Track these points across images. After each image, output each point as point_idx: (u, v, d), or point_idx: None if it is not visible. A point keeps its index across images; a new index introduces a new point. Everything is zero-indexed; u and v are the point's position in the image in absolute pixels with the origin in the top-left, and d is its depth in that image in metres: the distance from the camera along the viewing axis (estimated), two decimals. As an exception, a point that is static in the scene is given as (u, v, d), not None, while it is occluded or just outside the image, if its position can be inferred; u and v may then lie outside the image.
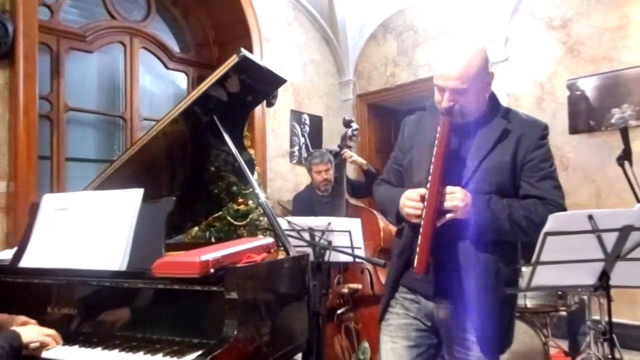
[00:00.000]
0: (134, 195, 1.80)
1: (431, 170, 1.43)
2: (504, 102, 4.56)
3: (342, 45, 5.65)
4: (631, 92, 3.87)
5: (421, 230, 1.41)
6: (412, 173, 1.60)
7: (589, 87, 4.11)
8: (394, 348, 1.60)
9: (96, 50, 4.05)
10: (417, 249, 1.40)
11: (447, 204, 1.41)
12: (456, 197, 1.42)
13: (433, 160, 1.43)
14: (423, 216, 1.42)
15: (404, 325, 1.60)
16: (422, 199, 1.44)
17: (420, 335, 1.59)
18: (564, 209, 1.50)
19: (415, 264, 1.41)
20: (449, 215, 1.42)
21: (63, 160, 3.79)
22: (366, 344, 2.69)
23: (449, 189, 1.43)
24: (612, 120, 3.92)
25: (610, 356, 2.01)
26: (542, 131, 1.57)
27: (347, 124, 3.55)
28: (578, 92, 4.17)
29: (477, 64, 1.47)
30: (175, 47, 4.65)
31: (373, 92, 5.76)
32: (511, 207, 1.46)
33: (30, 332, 1.53)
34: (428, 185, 1.42)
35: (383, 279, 2.53)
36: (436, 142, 1.45)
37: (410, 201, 1.47)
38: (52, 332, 1.58)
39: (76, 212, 1.86)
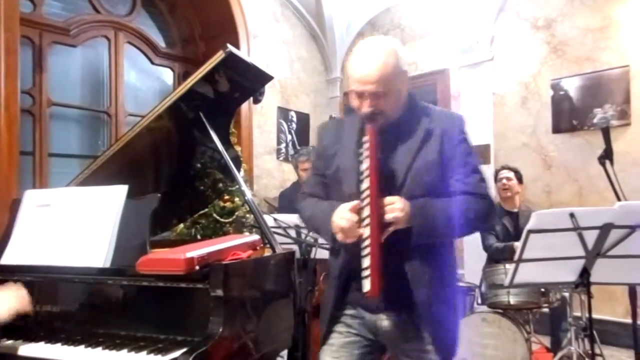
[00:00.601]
0: (118, 192, 1.78)
1: (366, 185, 1.34)
2: (489, 101, 4.64)
3: (330, 42, 5.65)
4: (613, 92, 3.94)
5: (368, 250, 1.31)
6: (341, 183, 1.50)
7: (572, 87, 4.17)
8: None
9: (80, 45, 3.98)
10: (368, 272, 1.30)
11: (389, 216, 1.34)
12: (396, 208, 1.35)
13: (366, 172, 1.35)
14: (366, 235, 1.32)
15: (346, 344, 1.52)
16: (357, 211, 1.36)
17: (363, 352, 1.52)
18: (492, 201, 1.49)
19: (368, 288, 1.30)
20: (391, 228, 1.35)
21: (46, 155, 3.73)
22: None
23: (387, 200, 1.36)
24: (595, 120, 3.99)
25: (590, 352, 2.05)
26: (462, 125, 1.55)
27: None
28: (561, 92, 4.23)
29: (394, 64, 1.42)
30: (161, 42, 4.60)
31: (360, 90, 5.77)
32: (447, 208, 1.42)
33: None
34: (363, 198, 1.34)
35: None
36: (365, 152, 1.37)
37: (346, 220, 1.36)
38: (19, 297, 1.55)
39: (59, 208, 1.84)
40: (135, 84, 4.44)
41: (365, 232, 1.33)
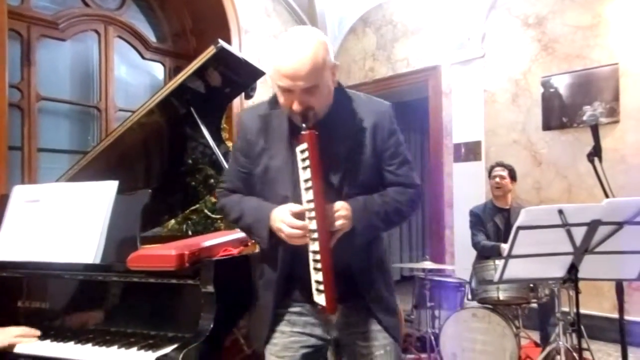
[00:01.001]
0: (109, 187, 1.77)
1: (309, 197, 1.26)
2: (480, 98, 4.67)
3: (322, 38, 5.64)
4: (602, 90, 3.98)
5: (319, 265, 1.25)
6: (273, 184, 1.39)
7: (562, 84, 4.20)
8: None
9: (69, 39, 3.94)
10: (322, 287, 1.25)
11: (337, 224, 1.29)
12: (342, 216, 1.30)
13: (308, 183, 1.26)
14: (314, 249, 1.27)
15: (291, 344, 1.45)
16: (299, 216, 1.29)
17: (309, 351, 1.46)
18: (420, 188, 1.48)
19: (324, 304, 1.26)
20: (338, 235, 1.31)
21: (35, 150, 3.69)
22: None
23: (333, 208, 1.30)
24: (584, 118, 4.03)
25: (578, 346, 2.08)
26: (391, 115, 1.49)
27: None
28: (552, 90, 4.26)
29: (323, 56, 1.29)
30: (151, 36, 4.56)
31: (352, 86, 5.76)
32: (385, 205, 1.40)
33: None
34: (309, 209, 1.27)
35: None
36: (304, 161, 1.27)
37: (291, 227, 1.28)
38: (24, 331, 1.56)
39: (48, 204, 1.82)
40: (126, 78, 4.41)
41: (313, 246, 1.27)
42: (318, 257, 1.26)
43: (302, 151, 1.26)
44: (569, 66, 4.17)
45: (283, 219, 1.30)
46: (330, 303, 1.25)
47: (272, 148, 1.40)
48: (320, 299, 1.28)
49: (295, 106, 1.30)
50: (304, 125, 1.28)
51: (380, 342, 1.48)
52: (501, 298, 2.98)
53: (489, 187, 3.77)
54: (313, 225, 1.26)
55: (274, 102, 1.42)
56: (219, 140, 2.33)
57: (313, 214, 1.25)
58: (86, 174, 2.07)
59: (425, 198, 7.04)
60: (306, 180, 1.26)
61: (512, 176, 3.61)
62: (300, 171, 1.29)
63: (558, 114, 4.22)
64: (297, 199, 1.32)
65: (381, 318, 1.46)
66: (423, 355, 3.42)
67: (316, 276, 1.28)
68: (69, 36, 3.92)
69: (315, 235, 1.26)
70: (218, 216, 3.17)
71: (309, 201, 1.26)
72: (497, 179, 3.59)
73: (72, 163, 2.25)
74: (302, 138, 1.26)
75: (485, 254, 3.44)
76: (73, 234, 1.73)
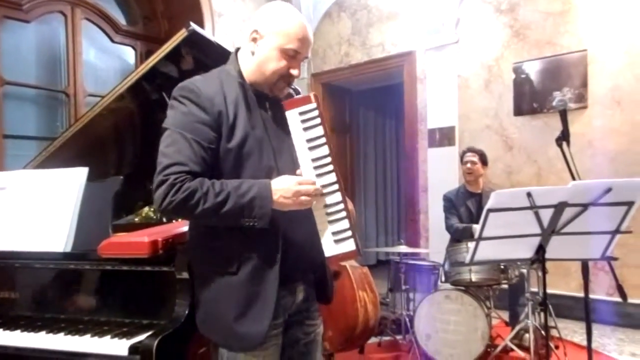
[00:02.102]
0: (78, 174, 1.74)
1: (323, 152, 1.29)
2: (454, 84, 4.71)
3: (297, 22, 5.58)
4: (571, 76, 4.07)
5: (343, 214, 1.29)
6: (254, 155, 1.32)
7: (533, 70, 4.28)
8: None
9: (34, 20, 3.79)
10: (350, 233, 1.28)
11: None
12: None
13: (319, 140, 1.29)
14: (336, 201, 1.29)
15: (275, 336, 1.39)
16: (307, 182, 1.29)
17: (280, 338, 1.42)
18: None
19: (354, 248, 1.29)
20: None
21: (0, 137, 3.57)
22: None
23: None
24: (554, 103, 4.12)
25: (544, 324, 2.16)
26: None
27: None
28: (523, 75, 4.34)
29: None
30: (121, 19, 4.44)
31: (327, 72, 5.75)
32: None
33: None
34: (323, 165, 1.29)
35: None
36: (313, 120, 1.30)
37: (313, 187, 1.28)
38: None
39: (15, 191, 1.77)
40: (95, 62, 4.29)
41: (329, 199, 1.30)
42: (338, 207, 1.29)
43: (303, 112, 1.31)
44: (540, 52, 4.25)
45: (297, 183, 1.26)
46: (358, 244, 1.30)
47: (250, 118, 1.33)
48: (343, 247, 1.29)
49: (296, 71, 1.35)
50: (296, 91, 1.37)
51: (318, 321, 1.54)
52: (473, 280, 3.05)
53: (462, 172, 3.83)
54: (325, 180, 1.29)
55: (224, 71, 1.40)
56: (193, 126, 2.30)
57: (326, 169, 1.29)
58: (55, 160, 2.01)
59: (401, 183, 7.16)
60: (312, 139, 1.30)
61: (483, 161, 3.67)
62: (300, 132, 1.31)
63: (529, 99, 4.31)
64: (283, 168, 1.33)
65: (318, 296, 1.52)
66: (398, 337, 3.49)
67: (334, 227, 1.30)
68: (33, 18, 3.78)
69: (332, 188, 1.29)
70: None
71: (318, 158, 1.29)
72: (469, 165, 3.65)
73: (40, 150, 2.18)
74: (305, 99, 1.31)
75: (458, 237, 3.52)
76: (42, 222, 1.69)
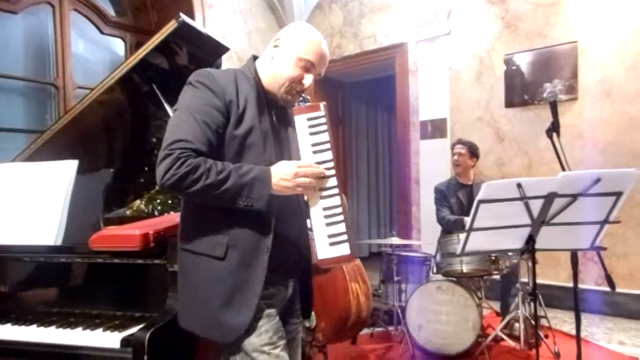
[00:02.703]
0: (68, 167, 1.72)
1: (328, 157, 1.35)
2: (446, 76, 4.72)
3: (288, 14, 5.55)
4: (562, 67, 4.09)
5: (341, 217, 1.33)
6: (257, 147, 1.36)
7: (524, 62, 4.29)
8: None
9: (21, 12, 3.73)
10: (345, 237, 1.32)
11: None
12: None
13: (326, 145, 1.36)
14: (335, 204, 1.34)
15: (280, 328, 1.40)
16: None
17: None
18: None
19: (349, 252, 1.32)
20: None
21: (-12, 130, 3.53)
22: (312, 313, 2.76)
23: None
24: (544, 95, 4.14)
25: (534, 314, 2.19)
26: None
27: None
28: (514, 67, 4.35)
29: None
30: (110, 10, 4.38)
31: (319, 63, 5.73)
32: None
33: None
34: (328, 168, 1.34)
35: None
36: (321, 125, 1.37)
37: (316, 173, 1.32)
38: None
39: (4, 185, 1.76)
40: (84, 54, 4.23)
41: (328, 202, 1.34)
42: (336, 211, 1.34)
43: (311, 119, 1.38)
44: (531, 44, 4.26)
45: (297, 166, 1.30)
46: (353, 249, 1.33)
47: (259, 112, 1.39)
48: (337, 251, 1.32)
49: (308, 81, 1.44)
50: (301, 99, 1.45)
51: (300, 320, 1.58)
52: (464, 271, 3.08)
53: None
54: (327, 183, 1.34)
55: (246, 72, 1.45)
56: (184, 118, 2.29)
57: (329, 173, 1.35)
58: (44, 153, 2.00)
59: (393, 175, 7.17)
60: (317, 144, 1.37)
61: (472, 153, 3.68)
62: (306, 137, 1.37)
63: (520, 91, 4.32)
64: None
65: (305, 302, 1.58)
66: (390, 328, 3.52)
67: (330, 230, 1.33)
68: (20, 9, 3.72)
69: (333, 191, 1.34)
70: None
71: (322, 162, 1.35)
72: (456, 157, 3.67)
73: (29, 142, 2.16)
74: (314, 107, 1.39)
75: (449, 228, 3.54)
76: (32, 216, 1.68)
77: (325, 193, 1.34)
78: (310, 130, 1.37)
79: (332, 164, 1.35)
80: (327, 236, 1.32)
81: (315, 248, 1.34)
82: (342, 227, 1.33)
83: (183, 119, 1.30)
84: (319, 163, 1.34)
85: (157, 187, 2.94)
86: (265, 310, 1.35)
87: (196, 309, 1.34)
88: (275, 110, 1.48)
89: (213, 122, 1.31)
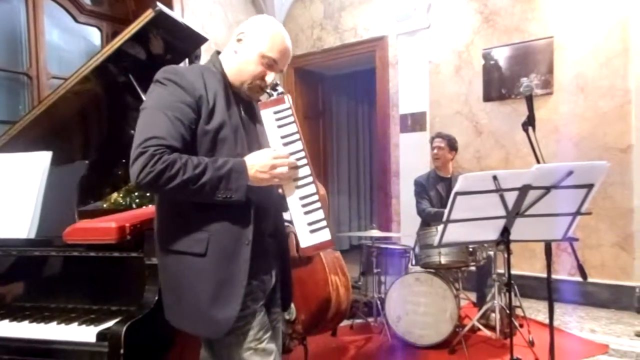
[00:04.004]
0: (42, 158, 1.69)
1: (298, 147, 1.37)
2: (425, 70, 4.75)
3: (269, 5, 5.50)
4: (538, 62, 4.16)
5: (318, 205, 1.35)
6: (229, 142, 1.35)
7: (502, 56, 4.35)
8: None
9: (-8, -1, 3.62)
10: (324, 223, 1.33)
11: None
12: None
13: (294, 136, 1.37)
14: (310, 192, 1.35)
15: (266, 323, 1.41)
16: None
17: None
18: None
19: (329, 237, 1.34)
20: None
21: (-43, 121, 3.42)
22: (292, 305, 2.77)
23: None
24: (521, 89, 4.19)
25: (509, 304, 2.24)
26: None
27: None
28: (492, 62, 4.40)
29: None
30: (86, -1, 4.28)
31: (299, 56, 5.70)
32: None
33: None
34: (300, 158, 1.36)
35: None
36: (288, 117, 1.39)
37: (288, 165, 1.33)
38: None
39: (-26, 177, 1.71)
40: (59, 43, 4.12)
41: (303, 191, 1.36)
42: (313, 199, 1.36)
43: (278, 112, 1.39)
44: (509, 39, 4.32)
45: (272, 158, 1.31)
46: (332, 234, 1.36)
47: (227, 107, 1.38)
48: (318, 237, 1.34)
49: (271, 78, 1.44)
50: (274, 92, 1.43)
51: (280, 309, 1.59)
52: (442, 262, 3.12)
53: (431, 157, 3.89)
54: (299, 173, 1.36)
55: (211, 68, 1.45)
56: (162, 110, 2.25)
57: (301, 162, 1.36)
58: (17, 144, 1.95)
59: (373, 168, 7.21)
60: (286, 136, 1.38)
61: (451, 146, 3.72)
62: (274, 130, 1.38)
63: (498, 85, 4.39)
64: None
65: (284, 293, 1.60)
66: (370, 319, 3.56)
67: (309, 218, 1.35)
68: (-9, -4, 3.60)
69: (307, 180, 1.36)
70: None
71: (293, 153, 1.36)
72: (435, 150, 3.71)
73: (1, 133, 2.10)
74: (279, 100, 1.40)
75: (430, 221, 3.58)
76: (4, 208, 1.64)
77: (300, 182, 1.36)
78: (277, 123, 1.39)
79: (303, 154, 1.37)
80: (306, 224, 1.35)
81: (294, 240, 1.36)
82: (320, 214, 1.35)
83: (153, 117, 1.28)
84: (291, 154, 1.36)
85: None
86: (250, 307, 1.36)
87: (184, 307, 1.33)
88: (243, 104, 1.48)
89: (185, 118, 1.29)
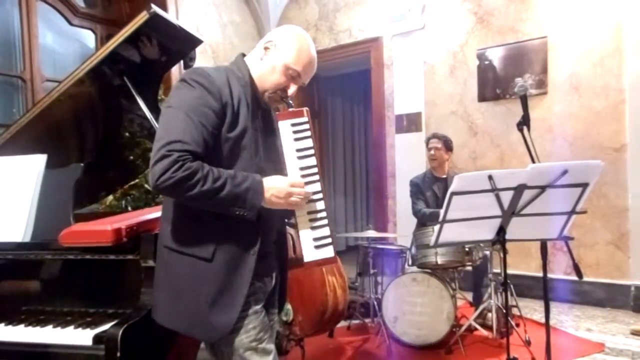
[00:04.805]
0: (37, 161, 1.68)
1: (313, 162, 1.39)
2: (420, 70, 4.76)
3: (263, 6, 5.50)
4: (532, 62, 4.18)
5: (325, 222, 1.39)
6: (248, 148, 1.36)
7: (496, 57, 4.37)
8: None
9: (-15, 1, 3.61)
10: (330, 240, 1.38)
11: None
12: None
13: (309, 151, 1.40)
14: (320, 208, 1.39)
15: (267, 323, 1.43)
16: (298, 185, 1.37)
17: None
18: None
19: (333, 254, 1.38)
20: None
21: (-49, 124, 3.40)
22: (288, 306, 2.77)
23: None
24: (515, 89, 4.22)
25: (505, 303, 2.24)
26: None
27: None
28: (487, 62, 4.42)
29: None
30: (79, 1, 4.26)
31: (295, 57, 5.70)
32: None
33: None
34: (311, 174, 1.38)
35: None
36: (305, 132, 1.40)
37: (300, 193, 1.34)
38: None
39: (-32, 180, 1.70)
40: (53, 46, 4.11)
41: (313, 206, 1.38)
42: (321, 215, 1.38)
43: (295, 124, 1.40)
44: (503, 39, 4.34)
45: (289, 185, 1.33)
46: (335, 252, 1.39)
47: (250, 115, 1.38)
48: (322, 253, 1.37)
49: (293, 90, 1.44)
50: (289, 104, 1.44)
51: (276, 310, 1.62)
52: (439, 262, 3.13)
53: (427, 158, 3.89)
54: (311, 188, 1.37)
55: (236, 72, 1.43)
56: (157, 112, 2.25)
57: (313, 178, 1.38)
58: (11, 148, 1.94)
59: (369, 169, 7.22)
60: (302, 149, 1.39)
61: (447, 147, 3.74)
62: (290, 142, 1.39)
63: (492, 85, 4.40)
64: (267, 171, 1.38)
65: (284, 290, 1.64)
66: (367, 320, 3.56)
67: (315, 233, 1.38)
68: (-16, -1, 3.59)
69: (317, 196, 1.38)
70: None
71: (306, 167, 1.38)
72: (432, 151, 3.72)
73: (-5, 137, 2.10)
74: (298, 113, 1.40)
75: (426, 221, 3.59)
76: (-1, 212, 1.63)
77: (310, 198, 1.39)
78: (294, 136, 1.40)
79: (316, 170, 1.39)
80: (312, 239, 1.38)
81: (293, 243, 1.38)
82: (326, 231, 1.38)
83: (179, 118, 1.27)
84: (303, 168, 1.38)
85: (130, 183, 2.90)
86: (252, 307, 1.37)
87: (180, 307, 1.33)
88: (261, 111, 1.48)
89: (209, 124, 1.29)
